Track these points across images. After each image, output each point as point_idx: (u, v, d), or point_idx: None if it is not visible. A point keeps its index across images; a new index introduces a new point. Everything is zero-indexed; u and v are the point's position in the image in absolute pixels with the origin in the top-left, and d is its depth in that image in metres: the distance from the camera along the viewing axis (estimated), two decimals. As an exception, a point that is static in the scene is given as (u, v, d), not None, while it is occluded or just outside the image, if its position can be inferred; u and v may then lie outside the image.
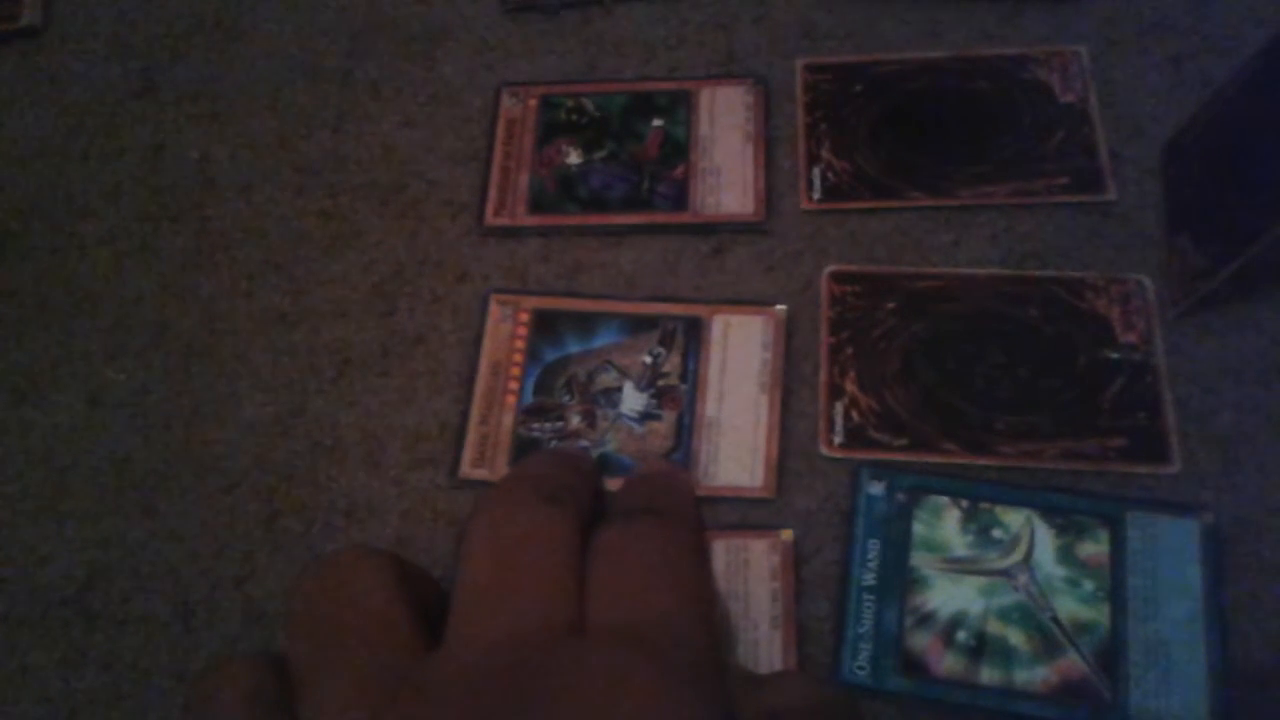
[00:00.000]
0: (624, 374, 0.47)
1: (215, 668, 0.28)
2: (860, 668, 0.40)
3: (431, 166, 0.56)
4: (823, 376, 0.47)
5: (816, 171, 0.53)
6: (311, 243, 0.54)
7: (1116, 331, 0.47)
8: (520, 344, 0.48)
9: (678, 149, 0.54)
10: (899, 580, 0.42)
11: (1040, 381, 0.46)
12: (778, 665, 0.40)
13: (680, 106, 0.56)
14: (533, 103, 0.57)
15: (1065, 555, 0.42)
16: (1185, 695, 0.39)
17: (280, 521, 0.46)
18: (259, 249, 0.54)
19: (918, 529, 0.43)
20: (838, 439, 0.45)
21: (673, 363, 0.47)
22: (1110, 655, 0.40)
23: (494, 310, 0.49)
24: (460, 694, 0.25)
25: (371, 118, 0.57)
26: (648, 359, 0.47)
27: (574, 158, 0.55)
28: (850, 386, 0.46)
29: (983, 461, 0.44)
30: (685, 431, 0.45)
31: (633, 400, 0.46)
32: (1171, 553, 0.42)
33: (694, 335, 0.47)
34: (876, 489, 0.44)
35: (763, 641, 0.41)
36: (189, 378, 0.50)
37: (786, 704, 0.27)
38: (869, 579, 0.42)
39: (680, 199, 0.53)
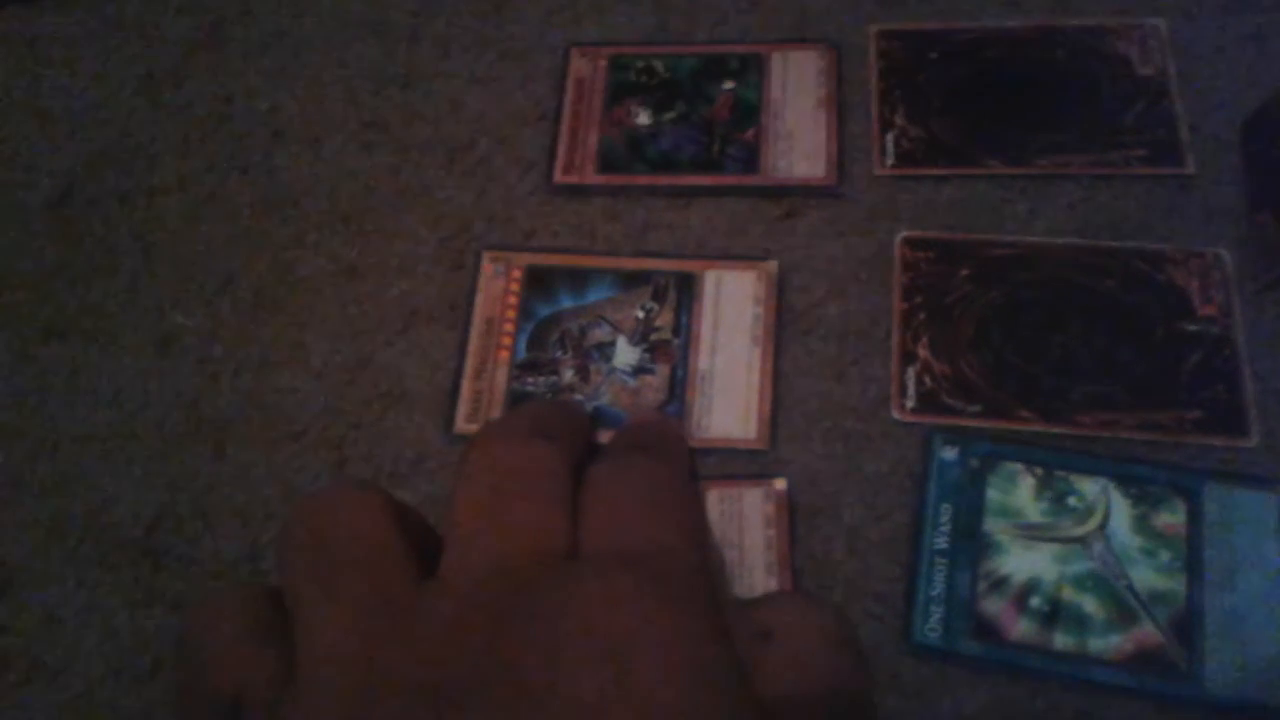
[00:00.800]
0: (617, 329, 0.47)
1: (211, 598, 0.28)
2: (932, 630, 0.40)
3: (500, 124, 0.55)
4: (895, 341, 0.46)
5: (890, 137, 0.52)
6: (380, 197, 0.54)
7: (1195, 304, 0.46)
8: (513, 300, 0.48)
9: (749, 112, 0.54)
10: (972, 545, 0.41)
11: (1117, 352, 0.45)
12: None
13: (751, 70, 0.55)
14: (602, 63, 0.57)
15: (1141, 525, 0.41)
16: (1260, 667, 0.38)
17: (348, 469, 0.46)
18: (327, 202, 0.54)
19: (991, 495, 0.42)
20: (910, 404, 0.45)
21: (665, 318, 0.47)
22: (1186, 626, 0.39)
23: (486, 267, 0.49)
24: (455, 617, 0.25)
25: (440, 75, 0.57)
26: (640, 314, 0.47)
27: (643, 118, 0.54)
28: (923, 352, 0.46)
29: (1058, 430, 0.44)
30: (679, 385, 0.45)
31: (626, 354, 0.46)
32: (1249, 525, 0.41)
33: (686, 290, 0.47)
34: (949, 454, 0.43)
35: (758, 587, 0.41)
36: (257, 326, 0.50)
37: (779, 620, 0.27)
38: (941, 543, 0.41)
39: (751, 161, 0.52)
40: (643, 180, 0.52)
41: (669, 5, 0.58)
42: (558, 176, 0.53)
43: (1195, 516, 0.41)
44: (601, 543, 0.27)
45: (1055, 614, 0.40)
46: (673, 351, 0.46)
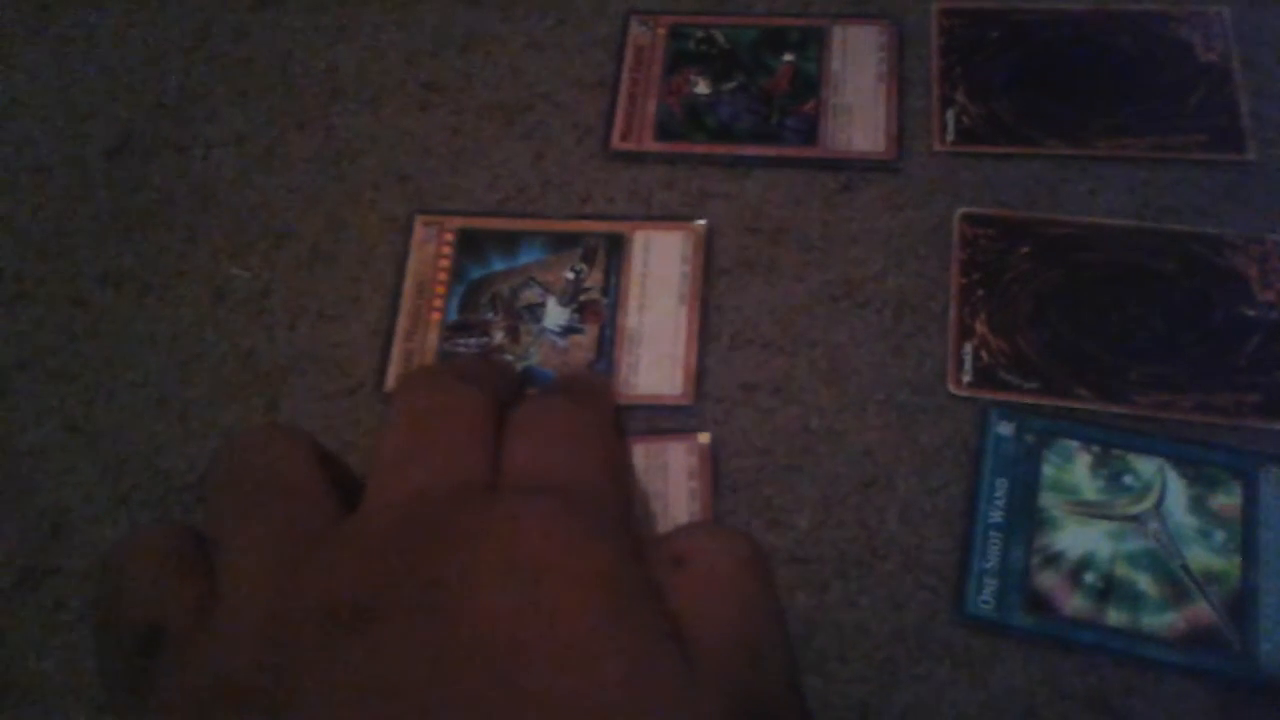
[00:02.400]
0: (547, 290, 0.47)
1: (132, 535, 0.28)
2: (985, 602, 0.40)
3: (558, 89, 0.55)
4: (953, 316, 0.46)
5: (950, 114, 0.52)
6: (436, 157, 0.54)
7: (1254, 289, 0.46)
8: (445, 263, 0.48)
9: (808, 84, 0.54)
10: (1027, 519, 0.41)
11: (1176, 334, 0.45)
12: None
13: (812, 43, 0.55)
14: (661, 31, 0.56)
15: (1197, 505, 0.41)
16: (1315, 653, 0.38)
17: (400, 424, 0.46)
18: (384, 160, 0.54)
19: (1047, 471, 0.42)
20: (966, 378, 0.45)
21: (594, 278, 0.47)
22: (1240, 606, 0.39)
23: (419, 230, 0.49)
24: (372, 543, 0.26)
25: (499, 39, 0.57)
26: (570, 275, 0.48)
27: (702, 88, 0.54)
28: (981, 327, 0.46)
29: (1115, 409, 0.44)
30: (607, 343, 0.46)
31: (556, 315, 0.47)
32: (1306, 511, 0.41)
33: (616, 251, 0.48)
34: (1005, 429, 0.43)
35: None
36: (313, 279, 0.50)
37: (691, 546, 0.27)
38: (996, 517, 0.41)
39: (810, 134, 0.52)
40: (701, 149, 0.52)
41: (728, -24, 0.58)
42: (615, 143, 0.53)
43: (1251, 499, 0.41)
44: (521, 476, 0.27)
45: (1109, 590, 0.40)
46: (601, 311, 0.47)
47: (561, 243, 0.49)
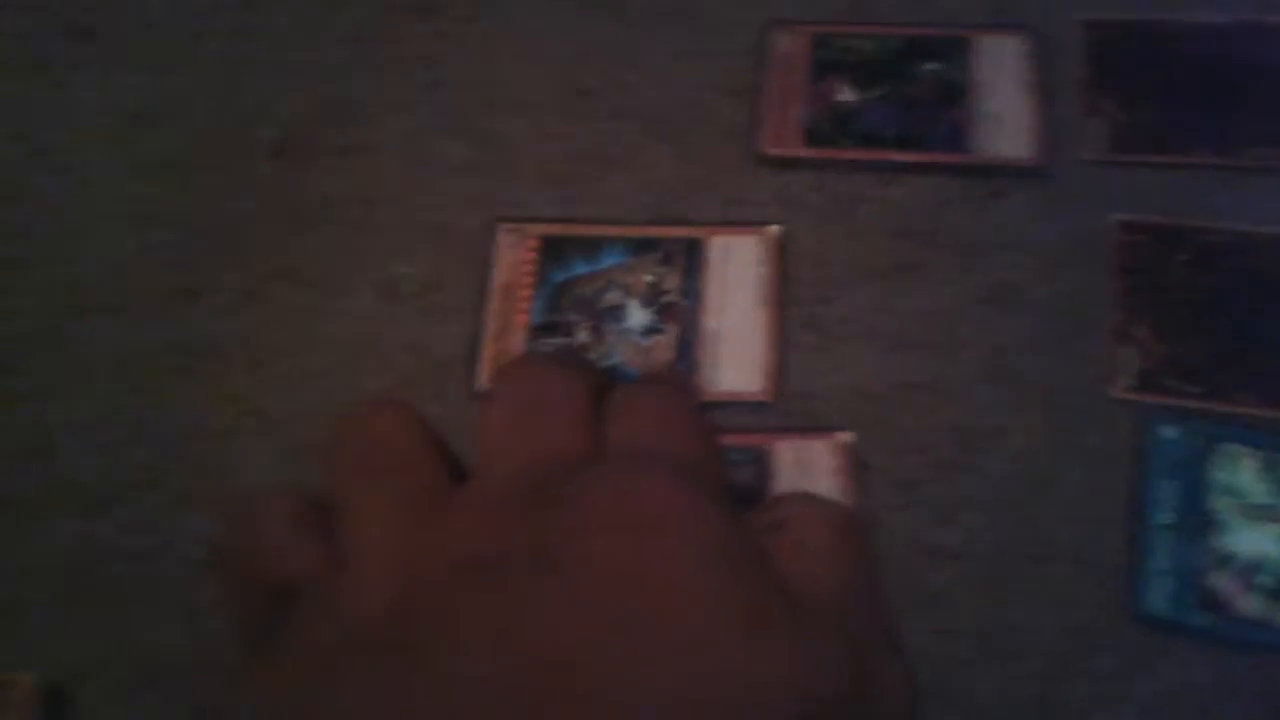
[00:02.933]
0: (628, 292, 0.49)
1: (256, 499, 0.30)
2: (1159, 601, 0.41)
3: (704, 96, 0.57)
4: (1111, 321, 0.47)
5: (1098, 123, 0.53)
6: (589, 161, 0.55)
7: None
8: (529, 268, 0.50)
9: (954, 92, 0.55)
10: (1198, 521, 0.42)
11: (1337, 341, 0.45)
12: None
13: (955, 52, 0.56)
14: (804, 40, 0.58)
15: (1365, 511, 0.42)
16: None
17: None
18: (539, 164, 0.55)
19: (1214, 474, 0.43)
20: (1127, 382, 0.46)
21: (673, 281, 0.49)
22: None
23: (502, 238, 0.51)
24: (486, 507, 0.27)
25: (645, 49, 0.59)
26: (650, 278, 0.49)
27: (848, 95, 0.56)
28: (1140, 333, 0.47)
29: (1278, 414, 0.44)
30: (687, 344, 0.47)
31: (637, 316, 0.48)
32: None
33: (693, 255, 0.50)
34: (1171, 433, 0.44)
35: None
36: (476, 277, 0.52)
37: (789, 513, 0.28)
38: (1167, 518, 0.42)
39: (956, 140, 0.53)
40: (849, 155, 0.54)
41: (868, -13, 0.59)
42: (764, 148, 0.54)
43: None
44: (623, 450, 0.28)
45: (1280, 592, 0.40)
46: (681, 313, 0.48)
47: (641, 247, 0.51)
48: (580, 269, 0.50)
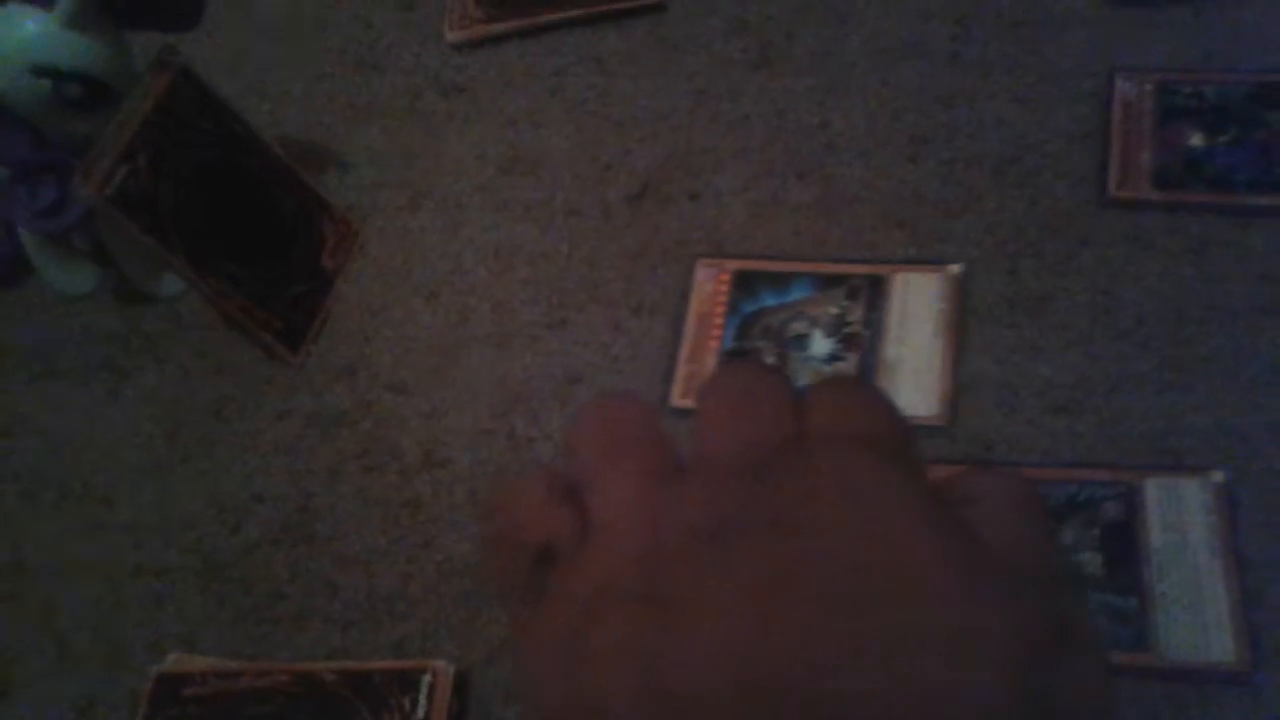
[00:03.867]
0: (813, 323, 0.52)
1: (517, 477, 0.36)
2: None
3: (1045, 141, 0.58)
4: None
5: None
6: (929, 203, 0.58)
7: None
8: (722, 299, 0.54)
9: (1312, 136, 0.54)
10: None
11: None
12: None
13: (1311, 96, 0.56)
14: (1149, 88, 0.58)
15: None
16: None
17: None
18: (879, 206, 0.58)
19: None
20: None
21: (857, 313, 0.52)
22: None
23: (700, 272, 0.55)
24: (716, 480, 0.31)
25: (981, 94, 0.61)
26: (835, 310, 0.52)
27: (1196, 140, 0.56)
28: None
29: None
30: (869, 370, 0.49)
31: (820, 345, 0.51)
32: None
33: (877, 290, 0.52)
34: None
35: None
36: (823, 314, 0.55)
37: (979, 488, 0.31)
38: None
39: (1318, 184, 0.53)
40: (1200, 198, 0.54)
41: (1211, 34, 0.60)
42: (1111, 191, 0.55)
43: None
44: (826, 431, 0.31)
45: None
46: (863, 342, 0.51)
47: (828, 282, 0.54)
48: (769, 301, 0.54)
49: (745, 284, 0.55)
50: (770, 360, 0.51)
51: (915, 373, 0.50)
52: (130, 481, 0.55)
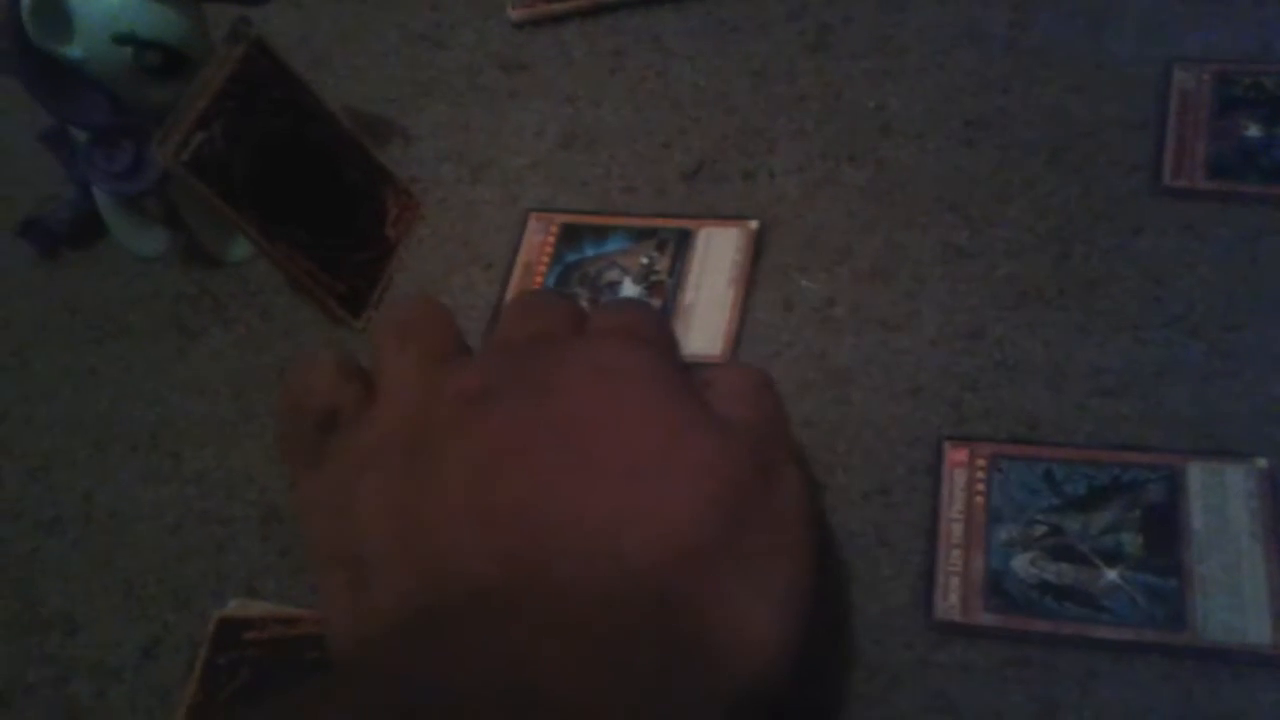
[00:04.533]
0: (624, 271, 0.57)
1: (311, 352, 0.43)
2: None
3: (1101, 129, 0.59)
4: None
5: None
6: (983, 188, 0.58)
7: None
8: (548, 249, 0.59)
9: (1372, 129, 0.54)
10: None
11: None
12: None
13: (1373, 89, 0.55)
14: (1207, 78, 0.58)
15: None
16: None
17: (966, 426, 0.51)
18: (933, 190, 0.59)
19: None
20: None
21: (664, 264, 0.57)
22: None
23: (532, 224, 0.60)
24: (490, 358, 0.39)
25: (1038, 81, 0.61)
26: (645, 260, 0.57)
27: (1254, 130, 0.56)
28: None
29: None
30: (667, 313, 0.55)
31: (628, 290, 0.56)
32: None
33: (684, 243, 0.58)
34: None
35: None
36: (872, 293, 0.56)
37: (717, 374, 0.40)
38: None
39: (1376, 177, 0.52)
40: (1255, 189, 0.54)
41: (1272, 25, 0.59)
42: (1167, 180, 0.55)
43: None
44: (599, 328, 0.39)
45: None
46: (665, 289, 0.56)
47: (641, 235, 0.59)
48: (588, 252, 0.58)
49: (570, 236, 0.60)
50: (584, 304, 0.56)
51: (706, 317, 0.55)
52: (196, 436, 0.57)
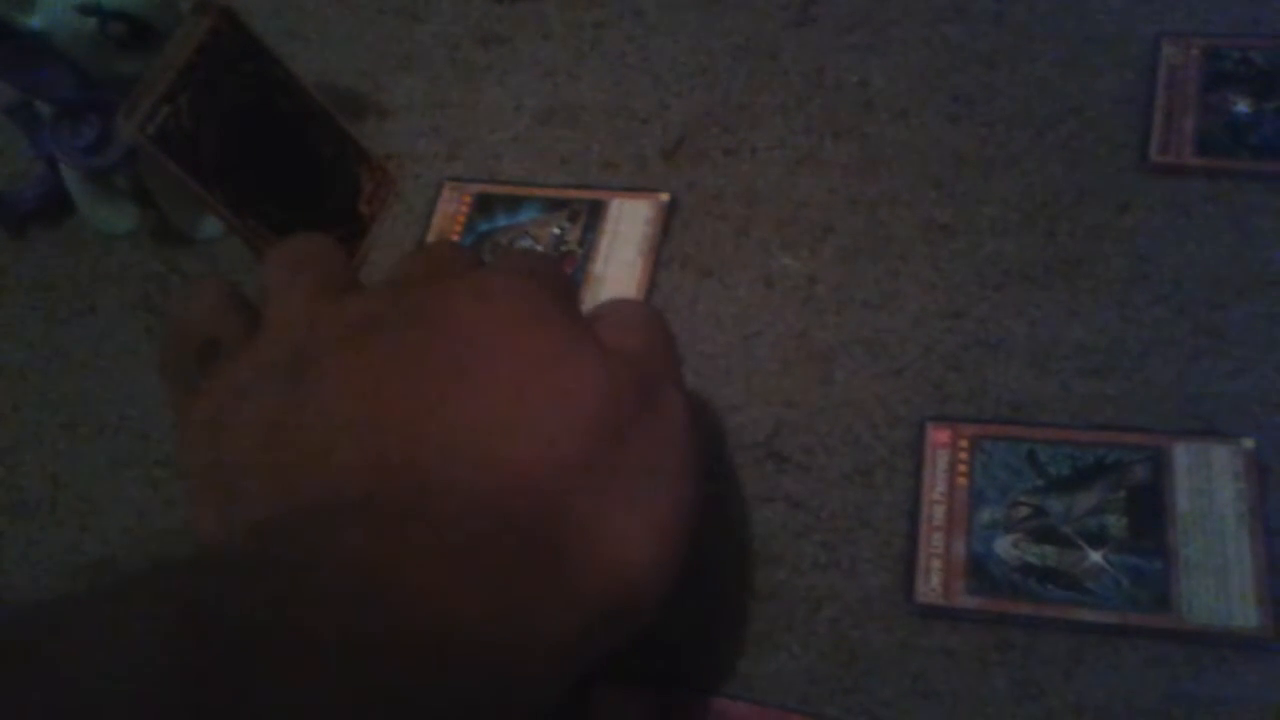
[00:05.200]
0: (536, 241, 0.57)
1: (198, 281, 0.44)
2: None
3: (1088, 104, 0.58)
4: None
5: None
6: (969, 164, 0.57)
7: None
8: (461, 219, 0.59)
9: (1362, 105, 0.53)
10: None
11: None
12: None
13: (1363, 64, 0.55)
14: (1195, 53, 0.58)
15: None
16: None
17: (948, 407, 0.50)
18: (917, 166, 0.58)
19: None
20: None
21: (575, 234, 0.57)
22: None
23: (445, 193, 0.61)
24: (386, 289, 0.39)
25: (1024, 56, 0.60)
26: (556, 230, 0.57)
27: (1242, 106, 0.55)
28: None
29: None
30: (577, 284, 0.55)
31: None
32: None
33: (595, 214, 0.58)
34: None
35: None
36: (855, 271, 0.55)
37: (606, 307, 0.41)
38: None
39: (1366, 153, 0.52)
40: (1244, 165, 0.53)
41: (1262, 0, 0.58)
42: (1153, 156, 0.54)
43: None
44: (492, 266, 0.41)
45: None
46: (576, 259, 0.56)
47: (554, 206, 0.59)
48: (501, 221, 0.59)
49: (484, 206, 0.60)
50: None
51: (615, 287, 0.55)
52: (165, 418, 0.55)
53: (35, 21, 0.53)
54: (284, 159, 0.59)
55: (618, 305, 0.42)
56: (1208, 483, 0.44)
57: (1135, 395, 0.48)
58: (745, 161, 0.60)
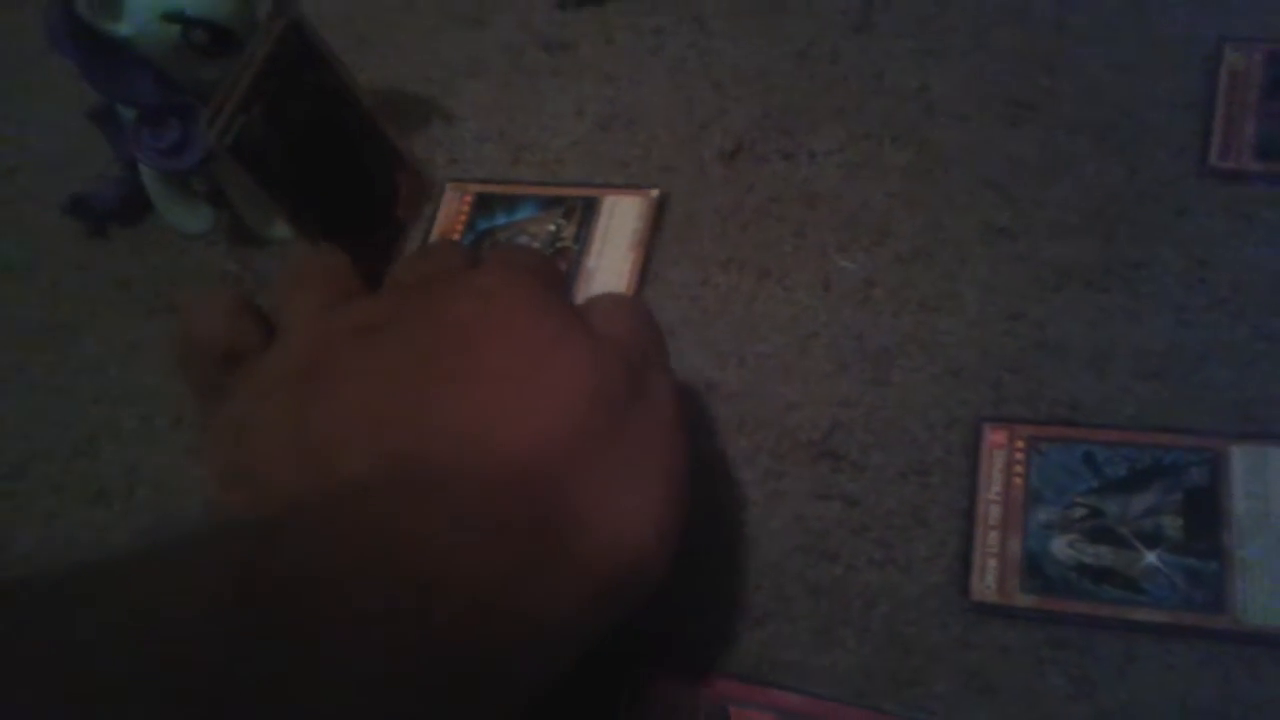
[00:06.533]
0: (533, 238, 0.59)
1: (205, 294, 0.45)
2: None
3: (1148, 109, 0.58)
4: None
5: None
6: (1027, 168, 0.57)
7: None
8: (463, 217, 0.61)
9: None
10: None
11: None
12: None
13: None
14: (1258, 57, 0.57)
15: None
16: None
17: (1005, 407, 0.50)
18: (976, 170, 0.58)
19: None
20: None
21: (570, 231, 0.59)
22: None
23: (448, 194, 0.62)
24: (392, 294, 0.42)
25: (1083, 61, 0.61)
26: (552, 227, 0.59)
27: (1305, 111, 0.55)
28: None
29: None
30: (571, 278, 0.57)
31: None
32: None
33: (589, 211, 0.59)
34: None
35: None
36: (912, 274, 0.55)
37: (596, 299, 0.43)
38: None
39: None
40: (1304, 169, 0.53)
41: (1327, 4, 0.58)
42: (1214, 161, 0.55)
43: None
44: (487, 262, 0.42)
45: None
46: (571, 254, 0.58)
47: (550, 204, 0.61)
48: (500, 220, 0.60)
49: (484, 205, 0.62)
50: None
51: (607, 281, 0.57)
52: (239, 411, 0.57)
53: (123, 29, 0.56)
54: (338, 167, 0.60)
55: (606, 298, 0.44)
56: (1264, 486, 0.44)
57: (1192, 398, 0.48)
58: (804, 165, 0.61)
